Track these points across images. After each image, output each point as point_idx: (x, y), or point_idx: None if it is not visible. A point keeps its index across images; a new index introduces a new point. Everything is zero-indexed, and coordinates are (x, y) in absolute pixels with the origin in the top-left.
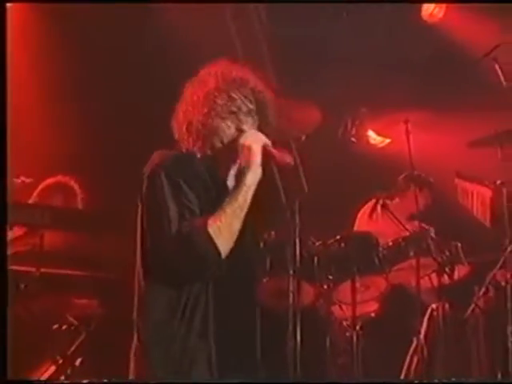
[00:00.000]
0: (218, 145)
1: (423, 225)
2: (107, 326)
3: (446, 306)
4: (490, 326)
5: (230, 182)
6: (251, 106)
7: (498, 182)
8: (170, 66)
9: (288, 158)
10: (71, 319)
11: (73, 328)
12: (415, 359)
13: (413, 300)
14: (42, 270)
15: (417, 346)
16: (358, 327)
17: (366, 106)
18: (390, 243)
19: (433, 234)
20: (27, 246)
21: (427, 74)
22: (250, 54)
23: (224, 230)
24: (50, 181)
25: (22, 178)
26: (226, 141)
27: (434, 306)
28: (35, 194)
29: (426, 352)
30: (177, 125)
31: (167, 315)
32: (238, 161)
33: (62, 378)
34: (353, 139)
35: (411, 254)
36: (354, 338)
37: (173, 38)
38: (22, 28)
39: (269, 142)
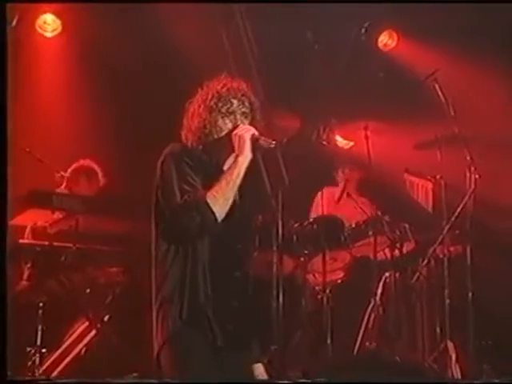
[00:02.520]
0: (216, 138)
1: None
2: (129, 290)
3: (397, 274)
4: (431, 290)
5: (226, 168)
6: (246, 110)
7: (438, 176)
8: (174, 67)
9: (271, 143)
10: (101, 284)
11: (102, 291)
12: (372, 316)
13: (371, 269)
14: (78, 245)
15: (374, 305)
16: (327, 291)
17: (334, 117)
18: (353, 225)
19: (387, 218)
20: (66, 227)
21: (382, 91)
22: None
23: (219, 199)
24: (74, 166)
25: (62, 173)
26: (224, 135)
27: (387, 274)
28: (65, 179)
29: (381, 310)
30: (186, 122)
31: (176, 269)
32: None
33: (94, 331)
34: (324, 142)
35: (370, 233)
36: (325, 299)
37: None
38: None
39: (256, 132)
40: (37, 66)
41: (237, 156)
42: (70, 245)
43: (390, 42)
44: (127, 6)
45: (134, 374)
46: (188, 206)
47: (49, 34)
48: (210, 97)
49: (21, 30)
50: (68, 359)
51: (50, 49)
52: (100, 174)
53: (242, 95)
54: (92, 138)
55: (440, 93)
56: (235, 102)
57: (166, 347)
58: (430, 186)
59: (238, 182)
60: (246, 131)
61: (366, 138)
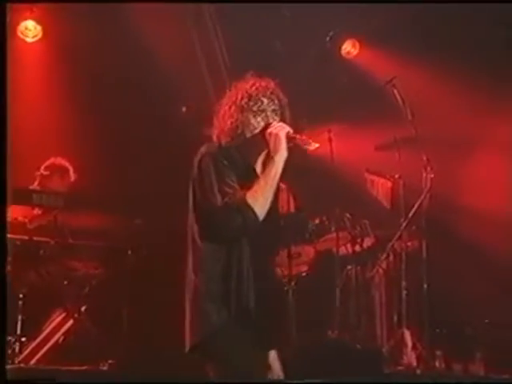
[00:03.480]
0: (249, 136)
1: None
2: (105, 282)
3: (358, 267)
4: (389, 282)
5: (258, 167)
6: (276, 107)
7: (397, 175)
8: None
9: (308, 142)
10: (78, 277)
11: (79, 283)
12: (335, 307)
13: (334, 263)
14: (56, 240)
15: (336, 297)
16: (293, 283)
17: (302, 120)
18: (317, 221)
19: (348, 215)
20: (45, 222)
21: (345, 96)
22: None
23: (259, 198)
24: (47, 163)
25: (42, 171)
26: (256, 133)
27: (349, 267)
28: (38, 176)
29: (343, 301)
30: (217, 123)
31: (216, 266)
32: (267, 148)
33: (71, 321)
34: (291, 144)
35: (333, 229)
36: (290, 291)
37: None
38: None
39: (291, 130)
40: (17, 69)
41: (273, 155)
42: (49, 239)
43: (352, 50)
44: (106, 12)
45: (110, 361)
46: (229, 207)
47: (30, 40)
48: (239, 97)
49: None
50: (46, 348)
51: (31, 53)
52: (71, 171)
53: (271, 93)
54: (67, 138)
55: (398, 97)
56: (265, 100)
57: (206, 343)
58: (389, 184)
59: (276, 180)
60: (281, 129)
61: (330, 140)
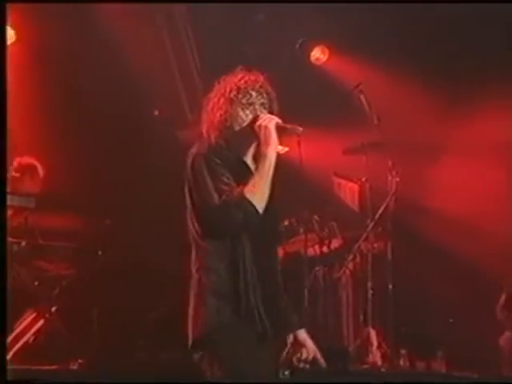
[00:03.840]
0: (238, 130)
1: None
2: (76, 283)
3: (326, 268)
4: (355, 283)
5: (249, 161)
6: (264, 101)
7: (364, 179)
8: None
9: (297, 128)
10: (49, 277)
11: (50, 284)
12: (303, 307)
13: (302, 264)
14: (26, 241)
15: (304, 297)
16: None
17: None
18: (287, 223)
19: (316, 217)
20: (15, 223)
21: (314, 101)
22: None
23: (257, 192)
24: (14, 164)
25: (12, 173)
26: (245, 126)
27: (317, 268)
28: (10, 177)
29: (307, 302)
30: (207, 117)
31: (221, 263)
32: (256, 141)
33: (42, 321)
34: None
35: (301, 231)
36: None
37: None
38: None
39: (280, 120)
40: None
41: (265, 147)
42: (20, 240)
43: (321, 56)
44: (78, 15)
45: (80, 361)
46: (229, 204)
47: None
48: (228, 89)
49: None
50: (16, 347)
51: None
52: (39, 167)
53: (260, 87)
54: (38, 139)
55: (365, 103)
56: (254, 93)
57: (210, 338)
58: (356, 187)
59: (271, 172)
60: (270, 121)
61: (299, 143)
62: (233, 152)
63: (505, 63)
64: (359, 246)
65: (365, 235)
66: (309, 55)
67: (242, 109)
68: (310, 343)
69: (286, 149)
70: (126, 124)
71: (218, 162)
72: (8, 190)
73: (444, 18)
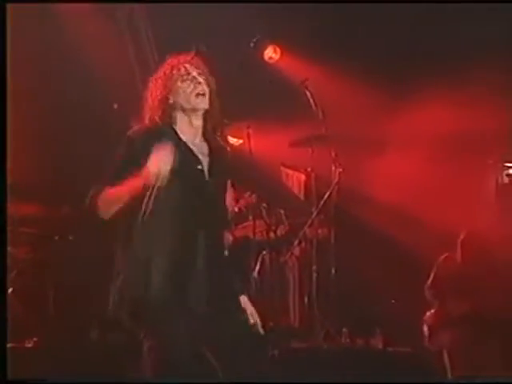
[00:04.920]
0: (181, 109)
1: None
2: (33, 266)
3: (273, 252)
4: (301, 266)
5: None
6: (200, 71)
7: (309, 169)
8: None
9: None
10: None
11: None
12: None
13: (250, 248)
14: None
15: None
16: None
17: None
18: (237, 209)
19: (265, 205)
20: None
21: (264, 97)
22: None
23: (156, 163)
24: None
25: None
26: (187, 106)
27: (264, 252)
28: None
29: (257, 284)
30: (148, 102)
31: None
32: None
33: None
34: (218, 139)
35: (250, 217)
36: None
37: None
38: None
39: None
40: None
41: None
42: None
43: (274, 55)
44: (42, 13)
45: (35, 339)
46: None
47: None
48: (163, 70)
49: None
50: None
51: None
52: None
53: (191, 60)
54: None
55: (310, 98)
56: (187, 65)
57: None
58: (302, 177)
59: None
60: (196, 86)
61: (248, 136)
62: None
63: (440, 55)
64: (304, 232)
65: (309, 222)
66: (262, 54)
67: (181, 81)
68: (250, 308)
69: (241, 141)
70: (87, 117)
71: (142, 141)
72: None
73: (378, 17)
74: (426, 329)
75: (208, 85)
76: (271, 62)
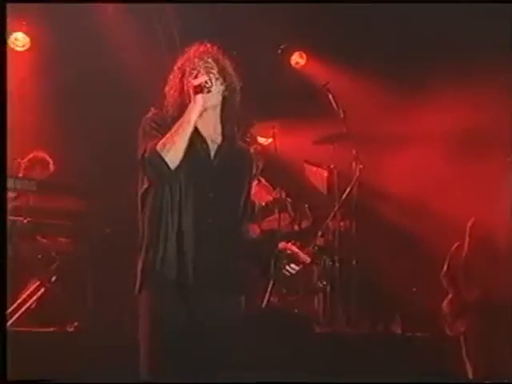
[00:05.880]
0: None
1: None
2: (73, 257)
3: (297, 243)
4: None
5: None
6: (209, 65)
7: (331, 166)
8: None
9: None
10: (50, 251)
11: (51, 257)
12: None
13: (275, 239)
14: (28, 219)
15: None
16: None
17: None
18: (263, 203)
19: (289, 199)
20: (19, 203)
21: (289, 98)
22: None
23: (169, 148)
24: (30, 156)
25: (18, 160)
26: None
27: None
28: (22, 167)
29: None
30: (166, 98)
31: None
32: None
33: (42, 289)
34: (247, 139)
35: (276, 211)
36: None
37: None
38: None
39: (207, 80)
40: (7, 73)
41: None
42: (22, 218)
43: (300, 60)
44: (83, 20)
45: (75, 324)
46: (144, 160)
47: (19, 49)
48: (177, 63)
49: None
50: (20, 312)
51: (20, 61)
52: (51, 164)
53: (204, 53)
54: (47, 135)
55: (332, 100)
56: (197, 59)
57: (144, 286)
58: (325, 173)
59: (188, 128)
60: (195, 79)
61: (274, 135)
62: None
63: (457, 55)
64: (327, 225)
65: (332, 215)
66: (289, 60)
67: (188, 75)
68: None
69: (270, 140)
70: (123, 118)
71: (154, 125)
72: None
73: (394, 22)
74: (444, 316)
75: (225, 79)
76: (297, 67)
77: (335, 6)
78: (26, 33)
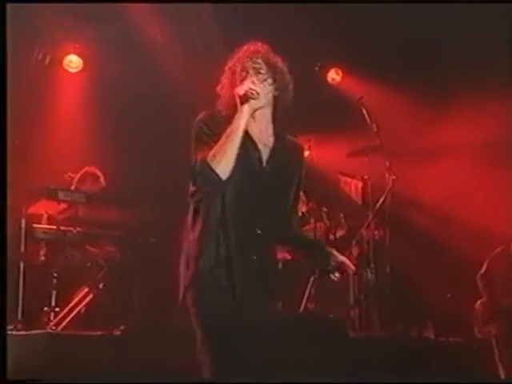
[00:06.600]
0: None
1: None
2: (119, 264)
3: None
4: (359, 264)
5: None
6: (258, 66)
7: (366, 176)
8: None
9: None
10: (98, 259)
11: (99, 265)
12: (313, 284)
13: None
14: (77, 229)
15: (315, 276)
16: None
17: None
18: (300, 213)
19: (325, 209)
20: (69, 214)
21: (326, 112)
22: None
23: (219, 158)
24: (83, 171)
25: (69, 174)
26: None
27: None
28: (75, 181)
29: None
30: (220, 87)
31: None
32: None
33: (91, 295)
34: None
35: (312, 220)
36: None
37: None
38: None
39: (253, 87)
40: (61, 94)
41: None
42: (72, 229)
43: (336, 77)
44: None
45: (122, 328)
46: (193, 170)
47: (73, 71)
48: (229, 63)
49: (51, 67)
50: (71, 316)
51: (73, 82)
52: (101, 178)
53: (255, 53)
54: (98, 151)
55: (366, 114)
56: (246, 59)
57: (190, 291)
58: (359, 184)
59: (237, 136)
60: (240, 87)
61: (310, 148)
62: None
63: (484, 69)
64: (361, 234)
65: (366, 224)
66: (326, 77)
67: (237, 77)
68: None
69: (307, 152)
70: (170, 128)
71: (206, 129)
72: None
73: (423, 41)
74: (476, 318)
75: (275, 80)
76: (334, 83)
77: (368, 23)
78: (79, 55)
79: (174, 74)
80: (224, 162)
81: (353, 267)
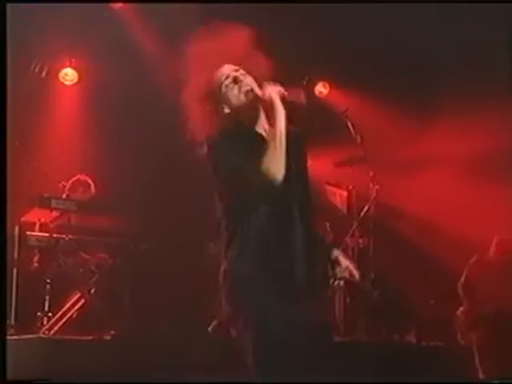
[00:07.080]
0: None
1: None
2: (111, 271)
3: None
4: None
5: (261, 130)
6: (241, 77)
7: (350, 186)
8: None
9: (302, 98)
10: (90, 266)
11: (90, 271)
12: None
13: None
14: (70, 236)
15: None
16: None
17: None
18: None
19: None
20: (61, 222)
21: (312, 124)
22: None
23: (272, 164)
24: (74, 179)
25: (63, 183)
26: (247, 101)
27: None
28: (67, 189)
29: None
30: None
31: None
32: (263, 110)
33: (83, 300)
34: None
35: None
36: None
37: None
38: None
39: (282, 89)
40: (58, 106)
41: (273, 117)
42: (65, 236)
43: (323, 90)
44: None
45: (112, 332)
46: (251, 183)
47: (68, 83)
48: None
49: (47, 79)
50: (63, 320)
51: (68, 94)
52: (92, 186)
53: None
54: (90, 159)
55: (350, 126)
56: (227, 71)
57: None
58: (344, 193)
59: (283, 140)
60: (273, 91)
61: None
62: (245, 126)
63: (473, 83)
64: (346, 242)
65: (351, 232)
66: (313, 89)
67: (227, 88)
68: (344, 262)
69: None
70: (161, 138)
71: (238, 143)
72: (59, 196)
73: (408, 55)
74: (458, 325)
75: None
76: (321, 96)
77: (354, 39)
78: (75, 68)
79: (168, 86)
80: (275, 169)
81: (357, 274)
